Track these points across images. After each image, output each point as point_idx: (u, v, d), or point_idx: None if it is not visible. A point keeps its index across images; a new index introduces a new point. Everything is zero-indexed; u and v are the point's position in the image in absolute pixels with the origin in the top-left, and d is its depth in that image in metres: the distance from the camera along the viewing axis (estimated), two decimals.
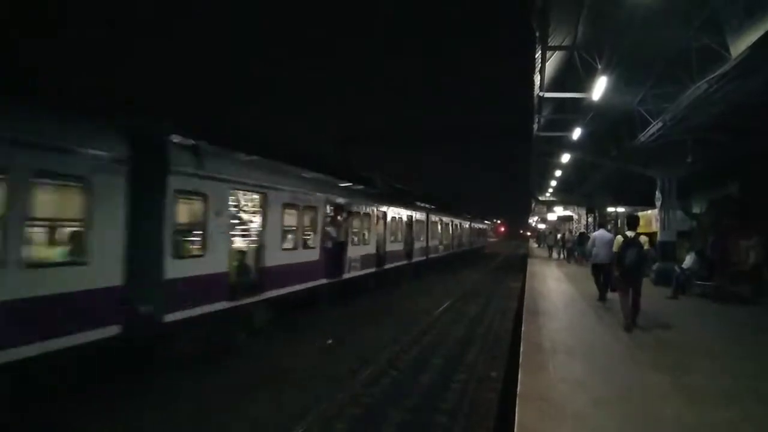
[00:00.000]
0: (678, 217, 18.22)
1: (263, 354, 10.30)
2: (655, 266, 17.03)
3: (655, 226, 19.01)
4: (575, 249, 29.24)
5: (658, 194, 17.21)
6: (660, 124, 13.49)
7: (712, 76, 9.80)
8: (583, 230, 33.94)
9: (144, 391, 7.80)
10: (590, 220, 34.24)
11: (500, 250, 66.42)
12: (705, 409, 5.44)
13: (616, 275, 10.42)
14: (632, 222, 10.82)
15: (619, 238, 10.17)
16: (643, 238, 10.03)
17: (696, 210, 22.97)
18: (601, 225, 18.56)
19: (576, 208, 39.63)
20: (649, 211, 23.12)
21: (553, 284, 17.93)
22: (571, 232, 41.13)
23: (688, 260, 14.63)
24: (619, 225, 29.66)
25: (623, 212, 30.36)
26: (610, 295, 12.67)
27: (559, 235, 40.50)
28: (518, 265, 35.88)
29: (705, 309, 12.60)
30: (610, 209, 32.68)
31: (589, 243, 14.08)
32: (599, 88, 11.73)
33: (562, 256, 33.49)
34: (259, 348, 10.68)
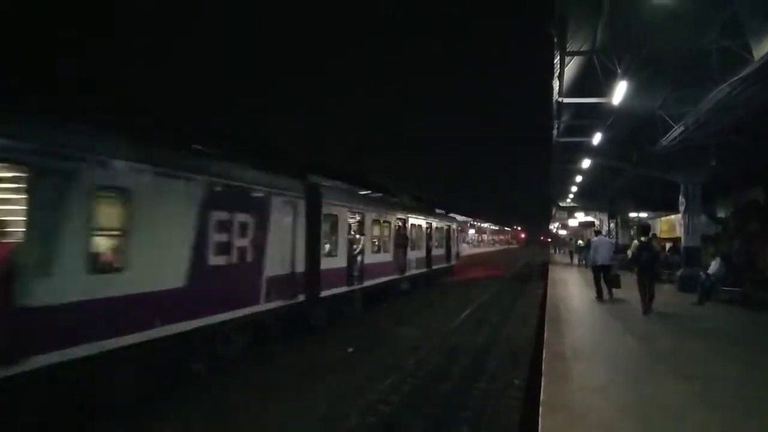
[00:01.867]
0: (702, 222, 17.94)
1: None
2: (679, 272, 16.82)
3: (679, 232, 18.74)
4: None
5: (681, 199, 16.97)
6: (682, 128, 13.32)
7: (735, 78, 9.67)
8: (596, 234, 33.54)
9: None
10: (612, 225, 33.85)
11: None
12: (730, 420, 5.34)
13: (615, 274, 14.82)
14: (644, 230, 13.30)
15: (635, 242, 12.75)
16: (655, 242, 12.97)
17: (721, 215, 22.58)
18: (598, 232, 19.17)
19: (597, 213, 39.22)
20: (673, 216, 22.82)
21: (576, 290, 17.76)
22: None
23: (714, 266, 14.38)
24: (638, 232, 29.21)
25: (646, 217, 30.00)
26: (611, 292, 14.71)
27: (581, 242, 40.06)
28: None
29: (731, 316, 12.38)
30: (632, 214, 32.29)
31: (591, 248, 15.75)
32: (619, 92, 11.64)
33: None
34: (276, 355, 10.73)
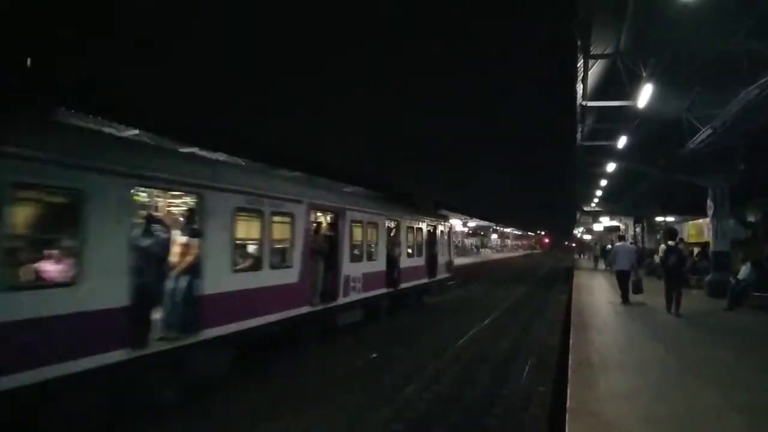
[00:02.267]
0: (731, 226, 17.58)
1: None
2: (708, 277, 16.52)
3: (708, 236, 18.40)
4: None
5: (709, 203, 16.67)
6: (710, 131, 13.13)
7: (763, 80, 9.52)
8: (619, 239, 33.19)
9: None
10: (637, 230, 33.38)
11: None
12: (758, 425, 5.23)
13: (637, 279, 14.66)
14: (672, 234, 14.28)
15: (663, 246, 13.62)
16: (682, 246, 13.66)
17: (751, 218, 22.11)
18: (622, 238, 19.21)
19: (623, 218, 38.73)
20: (701, 220, 22.42)
21: (601, 296, 17.51)
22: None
23: (744, 271, 14.10)
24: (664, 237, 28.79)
25: (673, 221, 29.53)
26: (633, 297, 14.70)
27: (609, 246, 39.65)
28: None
29: (762, 322, 12.10)
30: (659, 219, 31.82)
31: (611, 253, 16.16)
32: (644, 95, 11.52)
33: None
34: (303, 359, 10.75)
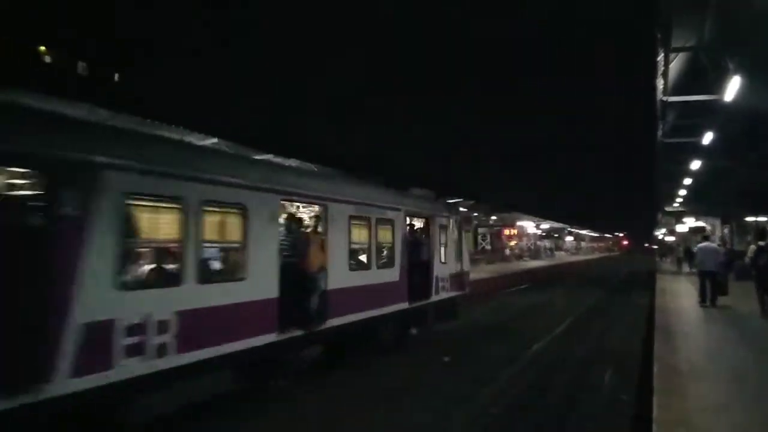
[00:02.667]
0: None
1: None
2: None
3: None
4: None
5: None
6: None
7: None
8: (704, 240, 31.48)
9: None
10: (725, 231, 31.57)
11: None
12: None
13: (721, 281, 14.53)
14: (762, 233, 13.62)
15: (753, 246, 13.04)
16: None
17: None
18: (706, 238, 18.36)
19: (709, 218, 36.77)
20: None
21: (685, 302, 16.69)
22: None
23: None
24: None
25: (765, 221, 27.78)
26: (718, 300, 14.35)
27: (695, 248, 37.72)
28: None
29: None
30: (749, 219, 30.00)
31: (697, 254, 16.07)
32: (732, 89, 10.93)
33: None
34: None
